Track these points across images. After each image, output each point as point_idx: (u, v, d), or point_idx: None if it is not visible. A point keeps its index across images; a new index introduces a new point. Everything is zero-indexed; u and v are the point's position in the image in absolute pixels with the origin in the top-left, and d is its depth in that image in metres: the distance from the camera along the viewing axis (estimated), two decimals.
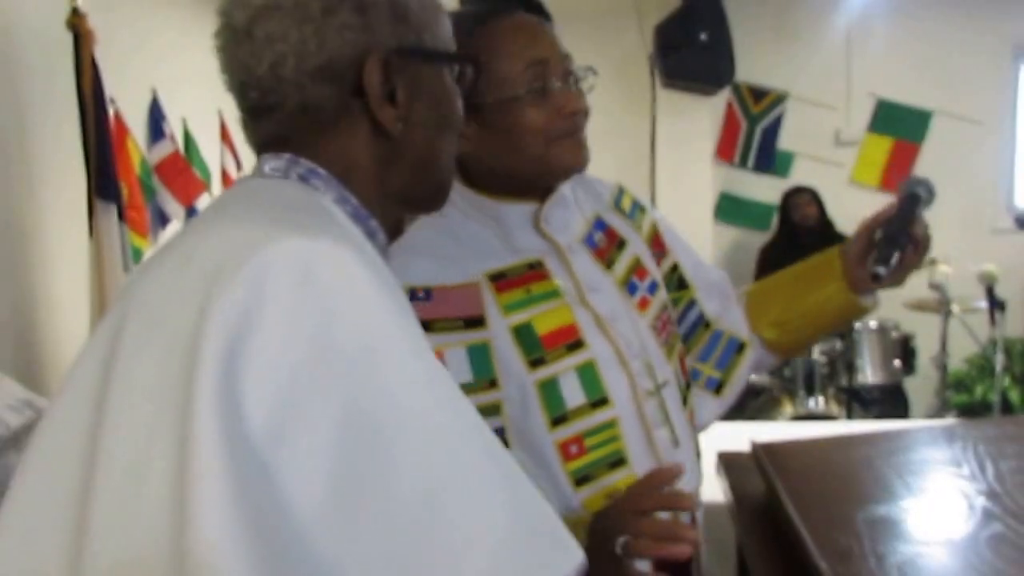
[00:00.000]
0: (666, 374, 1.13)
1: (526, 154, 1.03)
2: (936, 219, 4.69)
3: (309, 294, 0.60)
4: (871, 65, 5.01)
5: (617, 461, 1.04)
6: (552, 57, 1.03)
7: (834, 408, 3.89)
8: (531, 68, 1.01)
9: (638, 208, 1.26)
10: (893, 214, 1.23)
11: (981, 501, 1.23)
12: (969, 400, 4.64)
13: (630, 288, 1.14)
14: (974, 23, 4.93)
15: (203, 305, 0.59)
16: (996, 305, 3.80)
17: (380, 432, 0.60)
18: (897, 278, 1.22)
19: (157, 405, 0.59)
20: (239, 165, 4.05)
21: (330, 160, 0.74)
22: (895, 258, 1.18)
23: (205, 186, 3.68)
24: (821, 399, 3.95)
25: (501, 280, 1.04)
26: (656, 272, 1.20)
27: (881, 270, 1.17)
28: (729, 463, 1.54)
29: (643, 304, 1.15)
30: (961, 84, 4.96)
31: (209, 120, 3.89)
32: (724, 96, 4.96)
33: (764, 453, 1.37)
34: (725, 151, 5.15)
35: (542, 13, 1.08)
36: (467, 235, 1.06)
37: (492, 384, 0.99)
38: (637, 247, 1.19)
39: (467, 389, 0.94)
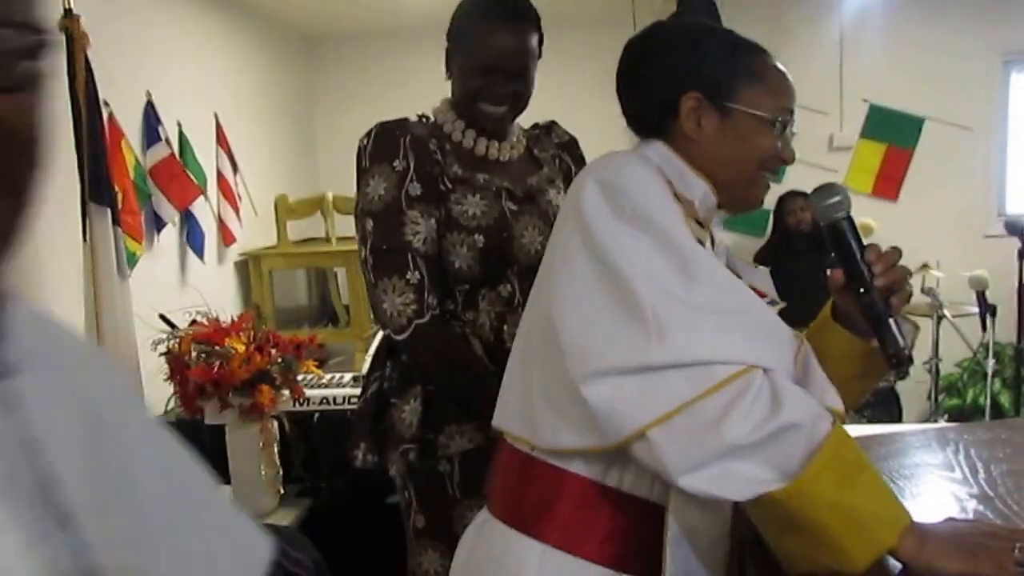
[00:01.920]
0: None
1: (738, 168, 1.16)
2: (928, 224, 4.77)
3: None
4: (864, 71, 5.05)
5: None
6: (792, 112, 1.17)
7: None
8: (783, 111, 1.16)
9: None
10: (842, 268, 1.14)
11: (973, 504, 1.24)
12: (960, 404, 4.67)
13: None
14: (964, 32, 4.99)
15: None
16: (987, 310, 3.83)
17: None
18: (902, 299, 1.14)
19: None
20: (235, 168, 4.05)
21: None
22: (881, 308, 1.10)
23: (201, 190, 3.68)
24: None
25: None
26: (774, 295, 1.27)
27: (898, 349, 1.08)
28: None
29: None
30: (952, 91, 5.01)
31: (205, 123, 3.90)
32: None
33: None
34: None
35: None
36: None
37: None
38: (750, 277, 1.23)
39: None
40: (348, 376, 3.04)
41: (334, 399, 2.94)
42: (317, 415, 2.92)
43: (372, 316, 1.73)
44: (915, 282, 4.13)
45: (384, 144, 1.64)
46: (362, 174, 1.65)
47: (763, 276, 1.27)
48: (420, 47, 5.36)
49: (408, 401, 1.62)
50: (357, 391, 2.85)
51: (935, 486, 1.31)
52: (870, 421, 4.09)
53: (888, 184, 5.13)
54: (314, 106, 5.41)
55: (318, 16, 4.90)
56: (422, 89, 5.77)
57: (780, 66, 1.19)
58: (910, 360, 1.10)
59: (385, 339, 1.72)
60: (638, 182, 1.05)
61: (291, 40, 5.17)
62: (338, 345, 3.60)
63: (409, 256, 1.57)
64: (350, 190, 5.09)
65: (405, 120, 1.70)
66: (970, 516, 1.20)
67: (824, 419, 0.94)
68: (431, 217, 1.61)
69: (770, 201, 4.84)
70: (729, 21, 4.88)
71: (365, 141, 1.66)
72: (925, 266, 4.22)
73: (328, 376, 3.04)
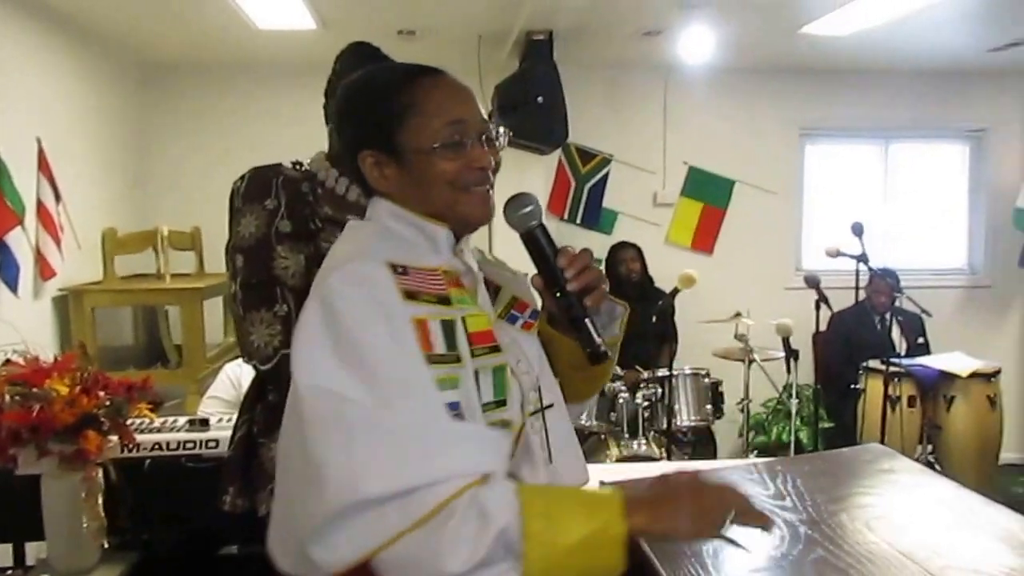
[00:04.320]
0: (553, 398, 1.23)
1: (437, 202, 1.14)
2: (739, 277, 5.21)
3: None
4: (684, 137, 5.52)
5: None
6: (471, 119, 1.15)
7: (655, 450, 4.15)
8: (450, 126, 1.13)
9: (501, 262, 1.37)
10: (540, 274, 1.18)
11: (804, 529, 1.41)
12: (767, 441, 5.09)
13: (510, 319, 1.23)
14: (768, 107, 5.59)
15: None
16: (791, 354, 4.23)
17: None
18: (595, 301, 1.19)
19: None
20: (58, 197, 3.79)
21: None
22: (577, 309, 1.15)
23: (17, 219, 3.42)
24: (643, 441, 4.20)
25: (448, 276, 1.13)
26: (535, 304, 1.29)
27: (594, 346, 1.14)
28: None
29: (527, 327, 1.24)
30: (758, 158, 5.57)
31: (26, 147, 3.64)
32: (556, 155, 5.26)
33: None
34: (556, 206, 5.43)
35: None
36: (410, 241, 1.16)
37: (457, 360, 1.06)
38: (513, 288, 1.28)
39: (441, 359, 1.04)
40: (183, 420, 2.90)
41: (168, 444, 2.80)
42: (148, 462, 2.76)
43: (238, 349, 1.72)
44: (728, 329, 4.51)
45: (257, 185, 1.71)
46: (234, 214, 1.71)
47: (524, 285, 1.26)
48: (267, 83, 5.31)
49: (277, 440, 1.62)
50: (193, 436, 2.76)
51: (771, 514, 1.47)
52: (691, 457, 4.40)
53: (705, 239, 5.58)
54: (149, 136, 5.14)
55: (156, 42, 4.69)
56: (267, 127, 5.69)
57: (438, 78, 1.17)
58: (605, 355, 1.16)
59: (254, 383, 1.74)
60: (355, 304, 1.02)
61: (126, 66, 4.91)
62: (170, 388, 3.42)
63: (278, 289, 1.63)
64: (186, 224, 4.94)
65: (279, 164, 1.77)
66: (802, 539, 1.37)
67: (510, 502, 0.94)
68: (300, 253, 1.66)
69: (601, 251, 5.13)
70: (569, 83, 5.15)
71: (239, 183, 1.73)
72: (738, 315, 4.60)
73: (161, 420, 2.90)
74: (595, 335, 1.14)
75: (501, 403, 1.12)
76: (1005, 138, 5.78)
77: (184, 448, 2.73)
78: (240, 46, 4.69)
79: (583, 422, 4.19)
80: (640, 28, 4.47)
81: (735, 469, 1.78)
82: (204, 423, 2.78)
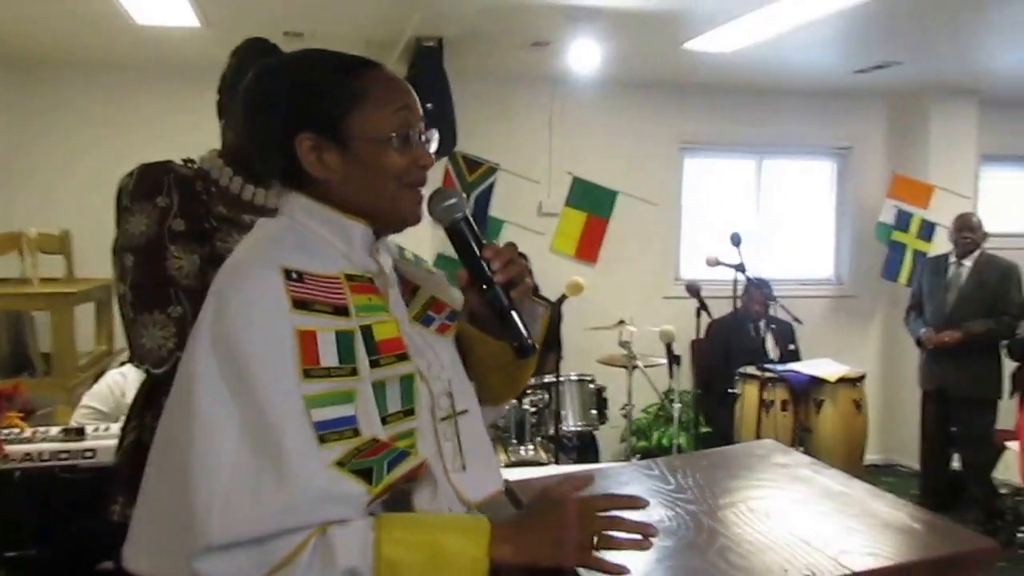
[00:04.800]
0: (468, 403, 1.21)
1: (379, 194, 1.11)
2: (622, 285, 5.36)
3: None
4: (569, 148, 5.64)
5: None
6: (417, 116, 1.13)
7: (542, 454, 4.20)
8: (399, 113, 1.11)
9: (420, 259, 1.35)
10: (466, 267, 1.17)
11: (707, 520, 1.45)
12: (648, 445, 5.23)
13: (426, 320, 1.21)
14: (650, 121, 5.80)
15: None
16: (673, 360, 4.38)
17: None
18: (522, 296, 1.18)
19: None
20: None
21: None
22: (504, 302, 1.14)
23: None
24: (531, 447, 4.24)
25: (353, 282, 1.09)
26: (454, 304, 1.26)
27: (522, 340, 1.13)
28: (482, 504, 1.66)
29: (443, 328, 1.22)
30: (640, 170, 5.75)
31: None
32: (443, 163, 5.26)
33: (519, 489, 1.50)
34: None
35: None
36: (321, 240, 1.12)
37: (353, 372, 1.02)
38: (431, 287, 1.26)
39: (328, 373, 1.00)
40: (56, 430, 2.74)
41: (40, 455, 2.64)
42: (18, 473, 2.61)
43: (129, 353, 1.65)
44: (613, 336, 4.62)
45: (147, 182, 1.65)
46: (122, 212, 1.65)
47: (442, 285, 1.26)
48: (145, 82, 5.07)
49: None
50: (68, 446, 2.61)
51: (676, 507, 1.51)
52: (576, 462, 4.48)
53: (589, 249, 5.70)
54: (13, 134, 4.82)
55: (24, 34, 4.40)
56: (144, 127, 5.43)
57: (387, 70, 1.15)
58: (533, 348, 1.15)
59: (143, 389, 1.67)
60: (240, 313, 1.00)
61: None
62: (38, 398, 3.21)
63: (171, 290, 1.58)
64: (54, 227, 4.67)
65: (169, 161, 1.71)
66: (706, 530, 1.41)
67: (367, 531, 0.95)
68: (194, 253, 1.62)
69: None
70: (458, 92, 5.21)
71: (127, 180, 1.67)
72: (621, 322, 4.72)
73: (32, 430, 2.73)
74: (522, 328, 1.14)
75: (409, 412, 1.10)
76: (869, 156, 6.20)
77: (58, 459, 2.62)
78: (116, 42, 4.47)
79: None
80: (529, 39, 4.55)
81: (636, 467, 1.82)
82: (80, 432, 2.64)
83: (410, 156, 1.12)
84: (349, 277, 1.10)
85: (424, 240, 5.13)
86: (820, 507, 1.53)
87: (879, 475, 5.61)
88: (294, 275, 1.04)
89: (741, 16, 4.02)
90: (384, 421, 1.06)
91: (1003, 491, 4.65)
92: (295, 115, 1.11)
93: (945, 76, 5.44)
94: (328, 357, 1.01)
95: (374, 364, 1.06)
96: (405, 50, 4.55)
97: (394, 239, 1.26)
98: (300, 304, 1.02)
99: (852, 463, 4.67)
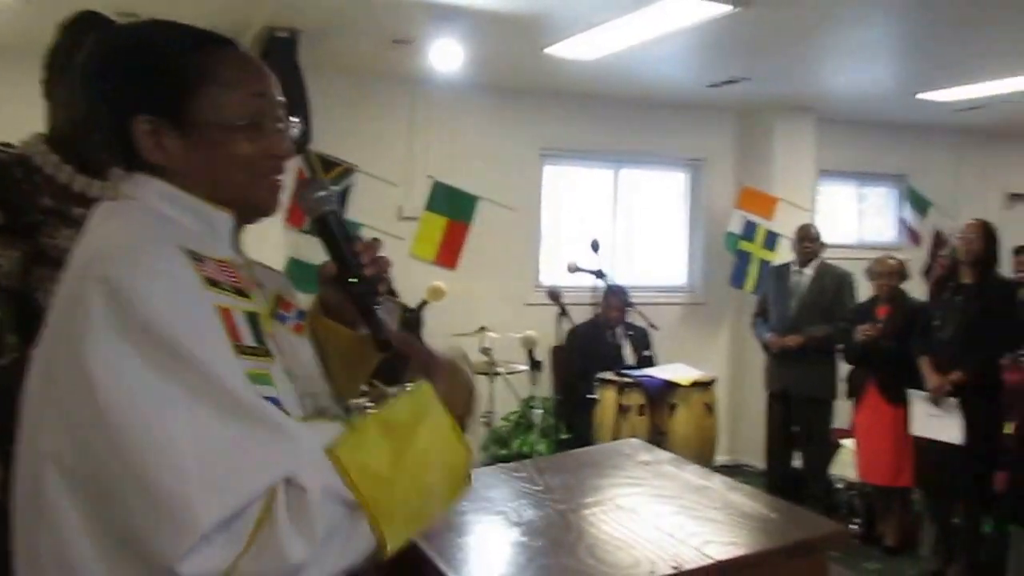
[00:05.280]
0: (326, 403, 1.13)
1: (227, 185, 1.03)
2: (483, 292, 5.31)
3: None
4: (430, 151, 5.55)
5: None
6: (272, 101, 1.05)
7: None
8: (253, 103, 1.02)
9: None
10: (333, 260, 1.13)
11: (575, 518, 1.44)
12: (508, 453, 5.20)
13: (279, 319, 1.13)
14: (512, 126, 5.82)
15: None
16: (535, 366, 4.38)
17: None
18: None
19: None
20: None
21: None
22: (369, 297, 1.11)
23: None
24: None
25: (231, 269, 1.01)
26: (299, 304, 1.20)
27: (386, 335, 1.10)
28: None
29: (298, 328, 1.16)
30: (501, 176, 5.74)
31: None
32: (296, 162, 5.04)
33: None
34: (295, 218, 5.18)
35: None
36: (188, 227, 1.02)
37: (267, 354, 0.97)
38: (275, 286, 1.17)
39: (253, 351, 0.94)
40: None
41: None
42: None
43: None
44: (474, 343, 4.57)
45: None
46: None
47: (286, 284, 1.20)
48: None
49: None
50: None
51: (540, 504, 1.48)
52: None
53: (449, 254, 5.61)
54: None
55: None
56: None
57: (239, 48, 1.06)
58: (391, 344, 1.14)
59: None
60: (156, 294, 0.88)
61: None
62: None
63: None
64: None
65: None
66: (573, 526, 1.37)
67: (325, 470, 0.90)
68: (15, 249, 1.46)
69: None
70: (314, 86, 4.99)
71: None
72: (482, 329, 4.68)
73: None
74: (384, 324, 1.11)
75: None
76: (719, 168, 6.48)
77: None
78: None
79: None
80: (390, 35, 4.44)
81: (503, 469, 1.79)
82: None
83: (261, 145, 1.03)
84: (227, 264, 1.01)
85: (277, 244, 4.91)
86: (684, 501, 1.57)
87: (727, 476, 5.81)
88: (195, 255, 0.95)
89: (600, 24, 4.08)
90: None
91: (839, 486, 4.93)
92: (134, 94, 1.00)
93: (787, 94, 5.76)
94: (246, 336, 0.95)
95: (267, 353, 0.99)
96: (255, 40, 4.33)
97: None
98: (211, 283, 0.94)
99: (703, 464, 4.80)
